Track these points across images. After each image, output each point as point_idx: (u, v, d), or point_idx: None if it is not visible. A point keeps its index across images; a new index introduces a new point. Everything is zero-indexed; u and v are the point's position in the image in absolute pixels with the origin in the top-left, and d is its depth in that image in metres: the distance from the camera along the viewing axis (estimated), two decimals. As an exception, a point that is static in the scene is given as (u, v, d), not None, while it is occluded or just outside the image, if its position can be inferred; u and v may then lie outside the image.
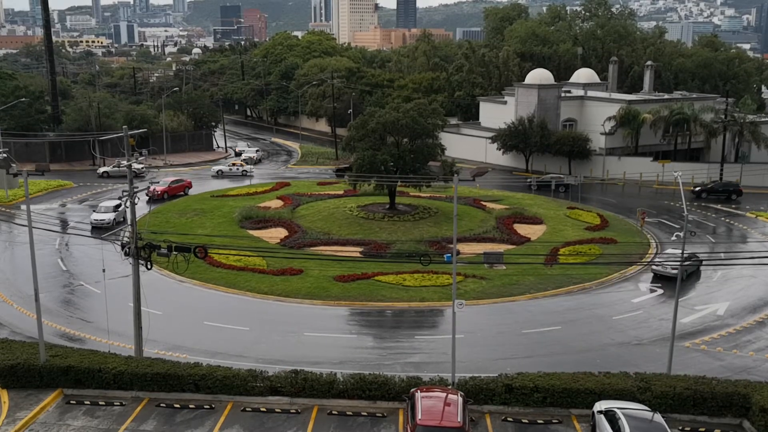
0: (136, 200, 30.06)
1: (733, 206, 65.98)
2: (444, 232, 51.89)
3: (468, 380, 28.10)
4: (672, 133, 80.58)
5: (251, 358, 33.03)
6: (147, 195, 59.26)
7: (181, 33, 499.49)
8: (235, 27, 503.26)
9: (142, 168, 79.20)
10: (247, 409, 27.88)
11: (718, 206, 66.04)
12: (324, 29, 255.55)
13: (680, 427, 26.74)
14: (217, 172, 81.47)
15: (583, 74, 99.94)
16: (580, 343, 35.32)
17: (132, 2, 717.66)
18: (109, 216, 55.08)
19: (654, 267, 46.67)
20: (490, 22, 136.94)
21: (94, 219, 54.53)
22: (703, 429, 26.82)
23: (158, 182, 65.82)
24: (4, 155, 71.18)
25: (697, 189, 70.16)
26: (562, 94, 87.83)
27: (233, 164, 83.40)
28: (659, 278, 45.17)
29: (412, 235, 52.10)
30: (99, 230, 53.62)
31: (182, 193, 67.95)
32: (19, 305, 39.96)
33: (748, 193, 70.76)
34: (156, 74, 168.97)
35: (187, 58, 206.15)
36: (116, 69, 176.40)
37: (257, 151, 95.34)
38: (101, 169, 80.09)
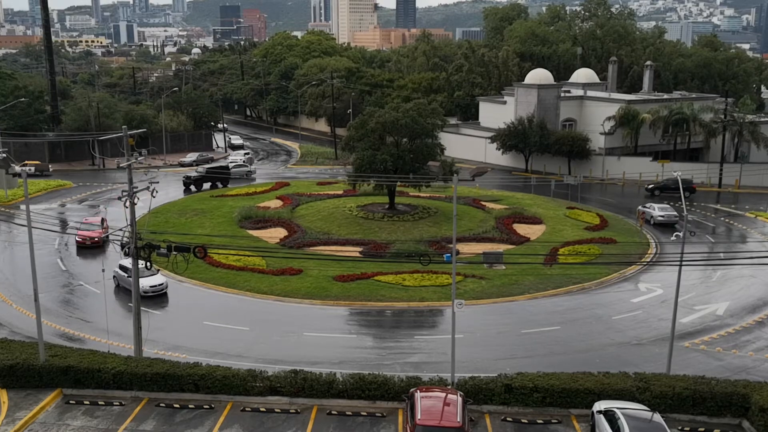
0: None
1: (733, 206, 66.00)
2: (443, 231, 51.90)
3: (467, 380, 28.12)
4: (671, 133, 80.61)
5: (251, 358, 33.03)
6: (77, 242, 50.39)
7: (180, 33, 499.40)
8: (235, 27, 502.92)
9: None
10: (247, 409, 27.88)
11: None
12: (323, 29, 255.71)
13: (679, 427, 26.74)
14: None
15: (583, 74, 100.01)
16: (580, 343, 35.33)
17: (131, 2, 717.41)
18: (162, 278, 42.10)
19: (645, 210, 58.69)
20: (490, 22, 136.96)
21: (150, 286, 40.95)
22: (702, 429, 26.83)
23: (91, 223, 53.23)
24: (4, 155, 71.16)
25: (650, 186, 70.90)
26: (562, 94, 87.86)
27: None
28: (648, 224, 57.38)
29: (412, 234, 52.10)
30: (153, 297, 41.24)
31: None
32: (18, 305, 39.95)
33: (748, 193, 70.77)
34: (155, 74, 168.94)
35: (186, 58, 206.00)
36: (116, 69, 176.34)
37: (246, 154, 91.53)
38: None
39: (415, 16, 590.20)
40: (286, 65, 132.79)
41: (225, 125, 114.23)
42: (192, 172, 75.36)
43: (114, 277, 43.21)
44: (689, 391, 27.08)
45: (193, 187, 71.99)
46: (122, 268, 41.92)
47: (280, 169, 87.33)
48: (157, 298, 41.23)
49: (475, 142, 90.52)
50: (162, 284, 41.56)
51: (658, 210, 58.55)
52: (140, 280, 39.03)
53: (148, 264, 38.75)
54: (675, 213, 57.67)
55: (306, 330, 36.68)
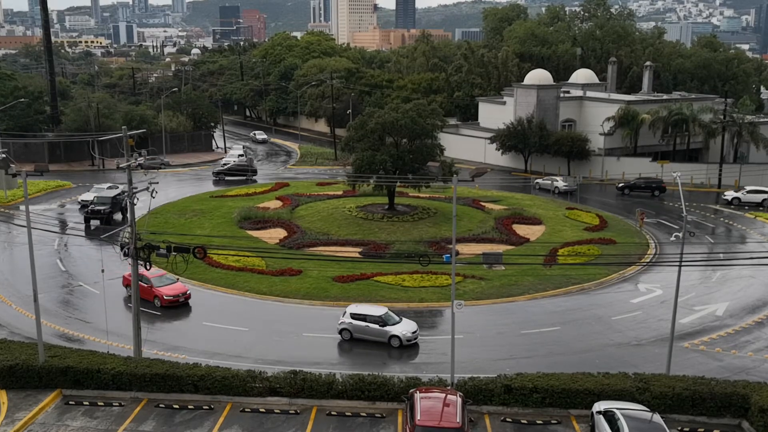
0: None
1: (732, 207, 66.00)
2: (443, 232, 51.89)
3: (467, 381, 28.13)
4: (671, 134, 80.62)
5: (250, 359, 33.05)
6: (167, 301, 39.81)
7: (180, 33, 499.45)
8: (234, 27, 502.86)
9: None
10: (246, 409, 27.88)
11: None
12: (323, 30, 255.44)
13: (679, 428, 26.76)
14: None
15: (582, 75, 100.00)
16: (579, 343, 35.33)
17: (131, 3, 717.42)
18: (415, 324, 36.02)
19: (540, 181, 73.27)
20: (489, 22, 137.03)
21: (411, 332, 35.20)
22: (701, 429, 26.84)
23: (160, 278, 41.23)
24: (3, 156, 71.14)
25: (621, 185, 72.40)
26: (561, 95, 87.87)
27: None
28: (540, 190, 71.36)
29: (411, 235, 52.09)
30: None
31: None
32: (17, 306, 39.93)
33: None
34: (155, 75, 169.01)
35: (186, 59, 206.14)
36: (115, 69, 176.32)
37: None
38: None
39: (414, 16, 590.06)
40: (286, 66, 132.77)
41: (271, 138, 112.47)
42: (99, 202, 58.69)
43: (344, 329, 35.67)
44: (689, 391, 27.11)
45: (95, 222, 57.15)
46: (356, 316, 35.41)
47: (280, 170, 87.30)
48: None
49: (475, 143, 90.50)
50: (418, 329, 35.75)
51: (561, 181, 72.02)
52: (394, 327, 35.01)
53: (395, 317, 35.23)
54: (574, 184, 70.83)
55: (305, 330, 36.66)
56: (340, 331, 35.77)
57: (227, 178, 77.97)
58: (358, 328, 35.31)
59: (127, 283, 40.45)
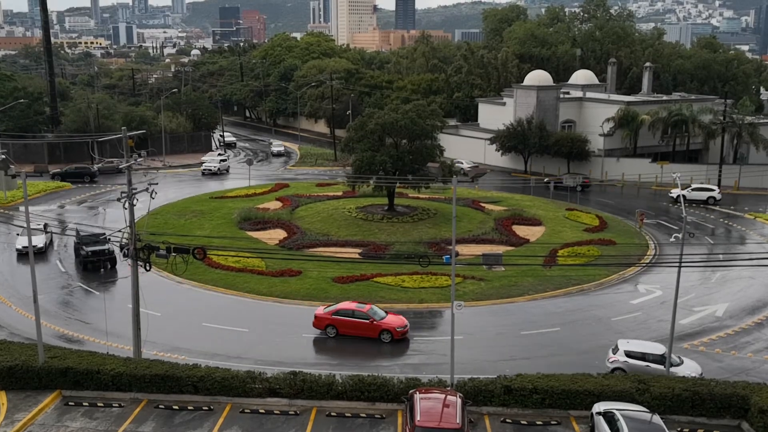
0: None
1: (732, 208, 66.01)
2: (443, 233, 51.90)
3: (467, 381, 28.13)
4: (670, 135, 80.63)
5: (250, 360, 33.04)
6: (393, 335, 35.68)
7: (180, 34, 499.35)
8: (234, 28, 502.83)
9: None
10: (246, 410, 27.87)
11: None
12: (323, 30, 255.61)
13: (679, 429, 26.76)
14: None
15: (582, 75, 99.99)
16: (579, 344, 35.31)
17: (131, 3, 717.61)
18: None
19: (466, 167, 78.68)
20: (489, 23, 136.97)
21: None
22: (701, 430, 26.84)
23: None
24: (3, 157, 71.14)
25: (546, 180, 74.59)
26: (561, 96, 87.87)
27: None
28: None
29: (411, 236, 52.10)
30: None
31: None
32: (17, 306, 39.93)
33: (747, 194, 70.80)
34: (155, 75, 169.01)
35: (186, 60, 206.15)
36: (115, 70, 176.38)
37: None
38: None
39: (414, 17, 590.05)
40: (286, 66, 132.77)
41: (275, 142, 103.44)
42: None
43: (617, 369, 31.34)
44: (688, 392, 27.11)
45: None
46: (633, 355, 31.47)
47: (280, 171, 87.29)
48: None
49: (475, 144, 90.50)
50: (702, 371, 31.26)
51: (465, 164, 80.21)
52: (680, 369, 30.58)
53: None
54: (485, 170, 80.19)
55: (305, 331, 36.63)
56: (612, 371, 31.26)
57: (66, 180, 74.57)
58: (637, 369, 30.91)
59: (325, 324, 36.39)
